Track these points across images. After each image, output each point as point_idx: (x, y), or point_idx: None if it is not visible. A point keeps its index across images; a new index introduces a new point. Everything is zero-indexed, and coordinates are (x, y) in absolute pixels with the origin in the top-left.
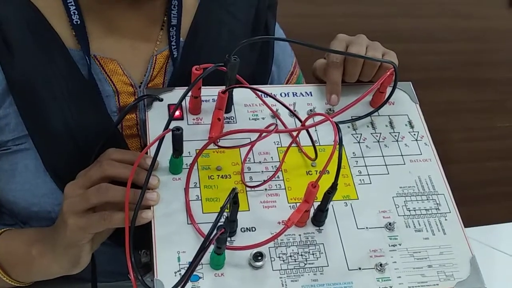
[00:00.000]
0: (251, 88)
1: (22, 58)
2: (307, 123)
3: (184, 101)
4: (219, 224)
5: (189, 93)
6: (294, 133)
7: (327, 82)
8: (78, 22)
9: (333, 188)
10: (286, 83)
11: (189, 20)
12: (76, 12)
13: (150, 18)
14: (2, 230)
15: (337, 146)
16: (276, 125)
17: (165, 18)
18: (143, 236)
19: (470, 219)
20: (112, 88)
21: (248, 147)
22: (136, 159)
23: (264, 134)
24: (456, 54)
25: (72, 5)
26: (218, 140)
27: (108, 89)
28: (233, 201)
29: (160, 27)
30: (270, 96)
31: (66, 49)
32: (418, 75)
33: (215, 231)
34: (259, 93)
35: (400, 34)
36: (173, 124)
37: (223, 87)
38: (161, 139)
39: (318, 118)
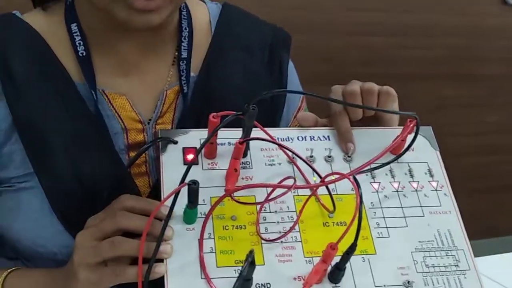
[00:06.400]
0: (270, 141)
1: (27, 93)
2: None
3: (199, 144)
4: None
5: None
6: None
7: (337, 132)
8: (84, 54)
9: (351, 249)
10: (294, 117)
11: (201, 55)
12: (82, 43)
13: (159, 52)
14: (10, 270)
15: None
16: (295, 180)
17: (176, 54)
18: (154, 281)
19: None
20: (121, 125)
21: (264, 196)
22: (150, 208)
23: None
24: (448, 49)
25: (77, 35)
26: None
27: (116, 126)
28: (250, 263)
29: (172, 62)
30: (291, 152)
31: (73, 83)
32: (410, 69)
33: None
34: (277, 140)
35: (394, 28)
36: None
37: (239, 130)
38: (176, 193)
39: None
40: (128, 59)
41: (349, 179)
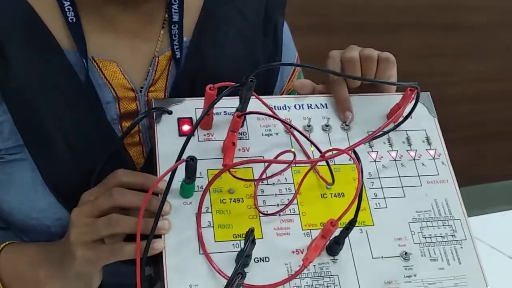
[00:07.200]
0: (269, 115)
1: (16, 62)
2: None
3: (194, 114)
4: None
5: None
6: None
7: (335, 101)
8: (74, 20)
9: (351, 224)
10: (288, 81)
11: (194, 18)
12: (71, 9)
13: (149, 15)
14: (3, 245)
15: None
16: (294, 155)
17: (166, 16)
18: (151, 257)
19: None
20: (112, 94)
21: (262, 168)
22: (147, 183)
23: (281, 168)
24: None
25: (66, 0)
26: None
27: (108, 95)
28: (251, 240)
29: (161, 26)
30: (291, 126)
31: (62, 50)
32: (393, 19)
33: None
34: (274, 108)
35: None
36: (183, 140)
37: (235, 99)
38: (173, 170)
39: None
40: (117, 24)
41: (349, 154)
